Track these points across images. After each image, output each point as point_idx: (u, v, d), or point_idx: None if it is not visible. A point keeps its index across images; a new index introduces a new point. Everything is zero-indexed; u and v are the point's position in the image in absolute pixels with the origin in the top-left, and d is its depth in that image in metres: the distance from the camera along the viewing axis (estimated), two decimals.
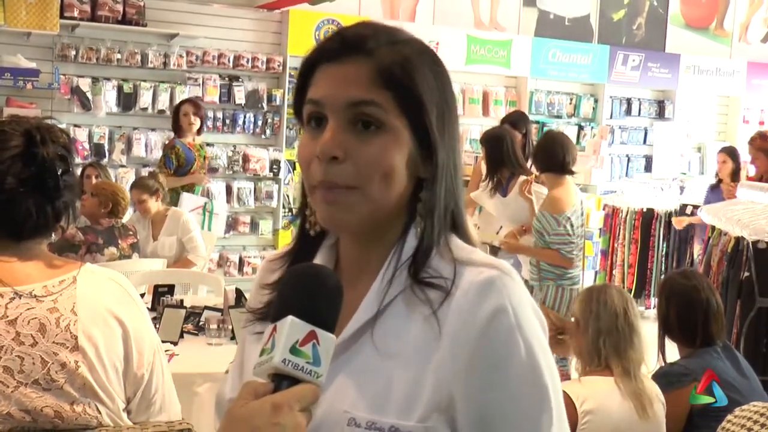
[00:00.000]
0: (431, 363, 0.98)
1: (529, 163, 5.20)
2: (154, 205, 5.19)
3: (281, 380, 0.89)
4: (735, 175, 6.72)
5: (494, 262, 1.02)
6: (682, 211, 7.15)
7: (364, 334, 1.02)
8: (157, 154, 6.83)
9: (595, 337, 2.74)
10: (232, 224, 7.42)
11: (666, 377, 2.90)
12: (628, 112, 9.00)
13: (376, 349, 1.01)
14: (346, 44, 1.02)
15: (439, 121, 1.04)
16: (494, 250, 4.86)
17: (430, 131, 1.03)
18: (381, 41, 1.02)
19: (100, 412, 1.63)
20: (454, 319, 0.98)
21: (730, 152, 6.90)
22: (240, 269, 7.35)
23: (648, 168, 8.98)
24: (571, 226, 4.41)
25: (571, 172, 4.51)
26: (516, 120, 5.58)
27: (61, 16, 6.53)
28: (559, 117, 8.61)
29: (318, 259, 1.10)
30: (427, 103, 1.02)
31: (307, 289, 0.93)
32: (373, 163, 1.00)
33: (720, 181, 6.86)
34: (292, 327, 0.89)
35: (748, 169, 6.75)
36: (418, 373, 0.98)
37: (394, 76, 1.00)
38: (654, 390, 2.74)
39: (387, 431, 0.97)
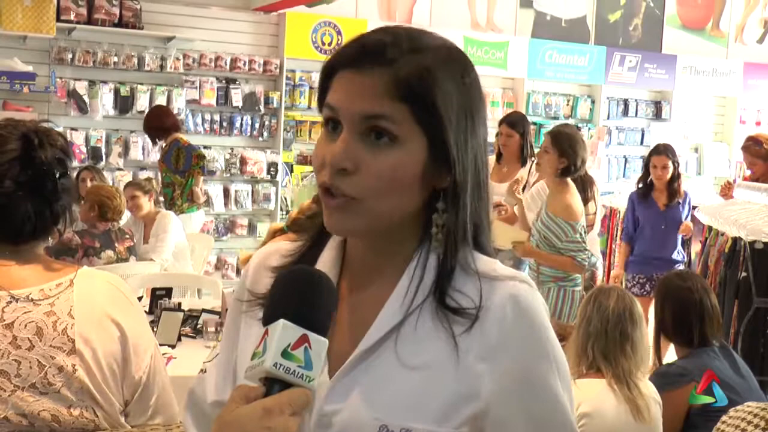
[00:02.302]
0: (467, 374, 0.99)
1: (528, 165, 5.18)
2: (146, 204, 5.21)
3: (273, 384, 0.89)
4: (673, 182, 5.57)
5: (518, 275, 1.04)
6: None
7: (385, 343, 1.02)
8: (154, 156, 6.85)
9: (584, 341, 2.73)
10: (229, 227, 7.42)
11: (663, 377, 2.90)
12: (625, 112, 9.01)
13: (398, 359, 1.00)
14: (366, 52, 1.00)
15: (459, 133, 1.02)
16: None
17: (448, 145, 1.01)
18: (402, 49, 1.00)
19: (97, 416, 1.63)
20: (492, 332, 1.00)
21: (671, 155, 5.61)
22: (238, 272, 7.34)
23: None
24: (581, 234, 4.22)
25: (575, 174, 4.30)
26: (515, 120, 5.58)
27: (58, 20, 6.54)
28: (556, 118, 8.62)
29: (324, 256, 1.10)
30: (445, 117, 1.00)
31: (299, 293, 0.93)
32: (382, 177, 0.99)
33: (651, 187, 5.65)
34: (283, 331, 0.89)
35: (745, 171, 6.54)
36: (454, 382, 0.99)
37: (411, 89, 0.98)
38: (651, 392, 2.73)
39: None
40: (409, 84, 0.99)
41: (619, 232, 6.42)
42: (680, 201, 5.61)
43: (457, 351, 0.99)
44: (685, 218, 5.63)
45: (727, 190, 5.97)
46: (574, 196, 4.28)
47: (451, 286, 1.02)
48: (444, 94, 1.00)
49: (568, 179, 4.25)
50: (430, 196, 1.04)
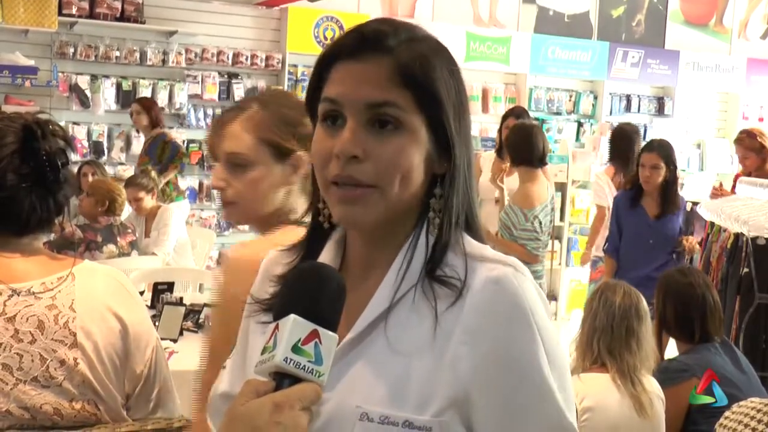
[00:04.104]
0: (447, 358, 0.98)
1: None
2: (150, 202, 5.21)
3: (283, 379, 0.89)
4: (669, 187, 4.58)
5: (506, 259, 1.03)
6: None
7: (376, 329, 1.02)
8: None
9: (590, 335, 2.75)
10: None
11: (665, 373, 2.90)
12: (628, 108, 8.99)
13: (388, 344, 1.00)
14: (366, 41, 1.01)
15: (455, 119, 1.04)
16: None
17: (448, 129, 1.03)
18: (401, 38, 1.02)
19: (99, 409, 1.63)
20: (471, 315, 0.99)
21: (665, 153, 4.58)
22: None
23: None
24: (540, 223, 4.38)
25: (544, 164, 4.51)
26: (521, 113, 5.61)
27: (60, 14, 6.53)
28: (558, 114, 8.61)
29: (324, 254, 1.10)
30: (444, 102, 1.02)
31: (310, 288, 0.93)
32: (393, 162, 1.00)
33: (639, 191, 4.66)
34: (294, 325, 0.89)
35: (739, 166, 6.32)
36: (434, 368, 0.98)
37: (413, 75, 1.00)
38: (654, 388, 2.74)
39: (401, 425, 0.96)
40: (411, 70, 1.00)
41: None
42: (677, 212, 4.64)
43: (437, 332, 0.99)
44: (679, 232, 4.67)
45: (718, 193, 5.71)
46: (536, 185, 4.46)
47: (442, 262, 1.03)
48: (441, 80, 1.02)
49: (538, 170, 4.46)
50: (428, 184, 1.05)
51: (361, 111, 1.00)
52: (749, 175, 5.59)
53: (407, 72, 1.00)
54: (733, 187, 5.70)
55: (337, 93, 1.01)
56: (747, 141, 5.70)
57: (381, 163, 1.00)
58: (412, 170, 1.01)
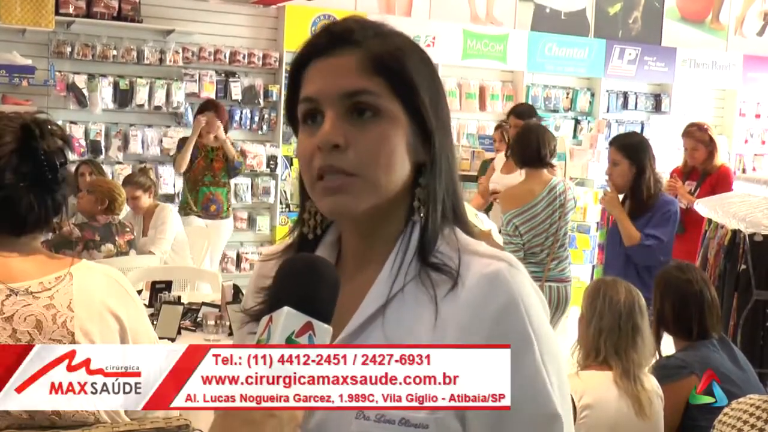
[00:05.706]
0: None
1: None
2: (147, 200, 5.22)
3: None
4: (636, 187, 4.00)
5: (500, 254, 1.03)
6: None
7: (372, 324, 1.02)
8: (154, 150, 6.85)
9: (596, 336, 2.72)
10: None
11: (663, 370, 2.90)
12: (625, 105, 9.00)
13: (385, 339, 1.00)
14: (334, 37, 1.03)
15: (432, 107, 1.04)
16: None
17: (426, 115, 1.03)
18: (368, 33, 1.03)
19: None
20: (465, 311, 0.99)
21: (625, 147, 4.03)
22: (237, 265, 7.35)
23: None
24: (515, 227, 4.29)
25: (550, 165, 4.46)
26: (522, 111, 5.60)
27: (57, 13, 6.52)
28: (555, 111, 8.61)
29: (319, 254, 1.09)
30: (419, 87, 1.03)
31: (303, 280, 0.93)
32: (374, 149, 1.00)
33: (625, 196, 4.15)
34: (288, 318, 0.89)
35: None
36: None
37: (384, 62, 1.01)
38: (653, 386, 2.73)
39: (397, 423, 0.96)
40: (382, 59, 1.02)
41: None
42: (652, 213, 4.03)
43: (437, 323, 0.98)
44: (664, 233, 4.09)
45: (673, 184, 5.41)
46: (522, 187, 4.40)
47: (434, 249, 1.03)
48: (414, 67, 1.04)
49: (540, 170, 4.36)
50: (413, 174, 1.05)
51: (337, 102, 1.01)
52: (693, 168, 5.58)
53: (378, 60, 1.01)
54: (676, 178, 5.61)
55: (312, 90, 1.02)
56: (697, 134, 5.65)
57: (362, 150, 1.00)
58: (394, 156, 1.02)
